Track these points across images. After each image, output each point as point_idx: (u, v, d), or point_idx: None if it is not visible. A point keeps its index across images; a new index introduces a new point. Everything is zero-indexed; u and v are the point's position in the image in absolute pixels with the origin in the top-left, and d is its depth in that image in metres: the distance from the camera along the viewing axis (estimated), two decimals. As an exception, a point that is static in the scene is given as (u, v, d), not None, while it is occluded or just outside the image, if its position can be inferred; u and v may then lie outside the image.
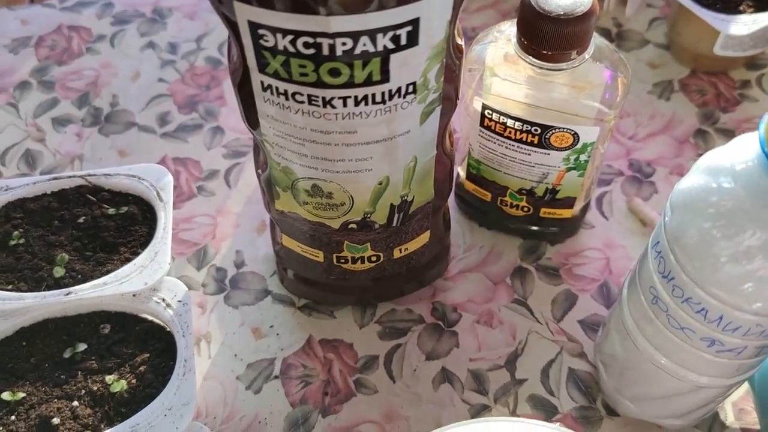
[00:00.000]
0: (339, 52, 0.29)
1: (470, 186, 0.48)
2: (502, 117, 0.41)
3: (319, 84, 0.31)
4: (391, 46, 0.30)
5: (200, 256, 0.50)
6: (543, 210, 0.46)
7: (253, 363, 0.45)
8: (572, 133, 0.40)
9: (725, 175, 0.29)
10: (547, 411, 0.43)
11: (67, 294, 0.39)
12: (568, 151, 0.41)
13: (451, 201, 0.50)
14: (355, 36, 0.29)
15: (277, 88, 0.32)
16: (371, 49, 0.30)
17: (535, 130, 0.41)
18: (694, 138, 0.55)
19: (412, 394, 0.44)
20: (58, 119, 0.58)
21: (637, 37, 0.61)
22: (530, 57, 0.39)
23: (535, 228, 0.48)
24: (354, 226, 0.39)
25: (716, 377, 0.35)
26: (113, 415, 0.36)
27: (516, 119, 0.41)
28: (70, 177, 0.44)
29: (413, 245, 0.43)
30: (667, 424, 0.41)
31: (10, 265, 0.41)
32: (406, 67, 0.31)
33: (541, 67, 0.39)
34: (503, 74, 0.40)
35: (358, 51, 0.30)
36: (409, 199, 0.39)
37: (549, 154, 0.42)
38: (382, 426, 0.43)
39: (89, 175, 0.44)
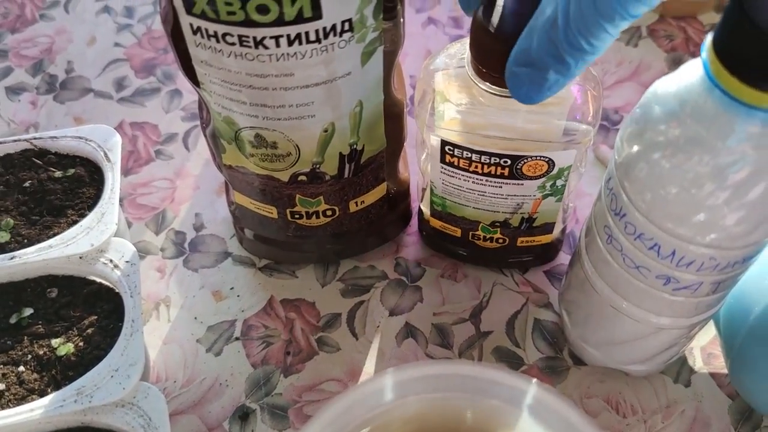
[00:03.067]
0: (264, -15, 0.28)
1: (437, 223, 0.44)
2: (465, 152, 0.37)
3: (249, 23, 0.30)
4: (318, -23, 0.28)
5: (158, 220, 0.49)
6: (520, 239, 0.43)
7: (213, 325, 0.44)
8: (546, 160, 0.36)
9: (672, 102, 0.28)
10: (512, 362, 0.42)
11: (12, 258, 0.38)
12: (543, 179, 0.37)
13: (416, 235, 0.48)
14: (278, -33, 0.27)
15: (206, 30, 0.31)
16: (298, -19, 0.28)
17: (505, 161, 0.36)
18: (664, 83, 0.53)
19: (375, 350, 0.43)
20: (12, 88, 0.56)
21: (605, -17, 0.60)
22: (488, 84, 0.34)
23: (512, 259, 0.45)
24: (304, 178, 0.38)
25: (675, 317, 0.34)
26: (60, 379, 0.35)
27: (482, 153, 0.36)
28: (15, 141, 0.43)
29: (370, 198, 0.41)
30: (632, 369, 0.40)
31: (-46, 231, 0.40)
32: (338, 3, 0.30)
33: (501, 95, 0.34)
34: (459, 104, 0.36)
35: (284, -16, 0.28)
36: (359, 147, 0.37)
37: (522, 184, 0.38)
38: (345, 383, 0.42)
39: (35, 138, 0.43)
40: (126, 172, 0.51)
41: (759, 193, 0.27)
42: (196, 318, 0.45)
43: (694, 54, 0.55)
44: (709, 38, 0.26)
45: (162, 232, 0.48)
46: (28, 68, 0.57)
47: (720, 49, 0.25)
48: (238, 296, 0.46)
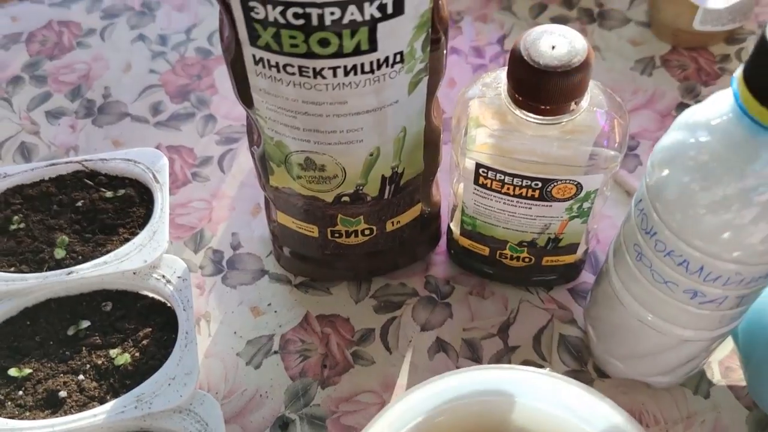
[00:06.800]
0: (328, 21, 0.31)
1: (465, 242, 0.46)
2: (498, 174, 0.39)
3: (309, 55, 0.32)
4: (377, 14, 0.31)
5: (197, 239, 0.51)
6: (545, 259, 0.45)
7: (252, 340, 0.46)
8: (575, 183, 0.38)
9: (702, 130, 0.31)
10: (540, 375, 0.44)
11: (69, 273, 0.40)
12: (571, 201, 0.40)
13: (444, 255, 0.50)
14: (342, 5, 0.30)
15: (268, 61, 0.33)
16: (359, 18, 0.31)
17: (536, 184, 0.39)
18: (676, 111, 0.56)
19: (408, 363, 0.45)
20: (52, 112, 0.59)
21: (618, 15, 0.63)
22: (526, 112, 0.36)
23: (537, 278, 0.47)
24: (347, 198, 0.40)
25: (699, 330, 0.36)
26: (118, 387, 0.37)
27: (515, 176, 0.39)
28: (67, 163, 0.45)
29: (405, 218, 0.44)
30: (654, 381, 0.42)
31: (12, 248, 0.42)
32: (393, 36, 0.32)
33: (539, 123, 0.36)
34: (493, 129, 0.38)
35: (346, 20, 0.31)
36: (400, 170, 0.40)
37: (551, 206, 0.40)
38: (380, 394, 0.44)
39: (86, 161, 0.45)
40: (164, 193, 0.53)
41: (782, 214, 0.29)
42: (235, 333, 0.47)
43: (706, 83, 0.57)
44: (739, 70, 0.28)
45: (200, 250, 0.51)
46: (67, 93, 0.60)
47: (750, 81, 0.28)
48: (275, 312, 0.48)
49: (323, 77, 0.33)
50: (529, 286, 0.48)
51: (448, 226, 0.48)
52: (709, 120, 0.30)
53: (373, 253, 0.46)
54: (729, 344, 0.44)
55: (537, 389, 0.29)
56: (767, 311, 0.38)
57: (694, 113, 0.32)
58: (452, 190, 0.45)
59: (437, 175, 0.45)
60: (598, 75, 0.40)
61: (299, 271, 0.49)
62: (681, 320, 0.36)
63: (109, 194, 0.44)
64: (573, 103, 0.36)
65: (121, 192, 0.44)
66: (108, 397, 0.37)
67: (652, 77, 0.58)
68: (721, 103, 0.30)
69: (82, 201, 0.44)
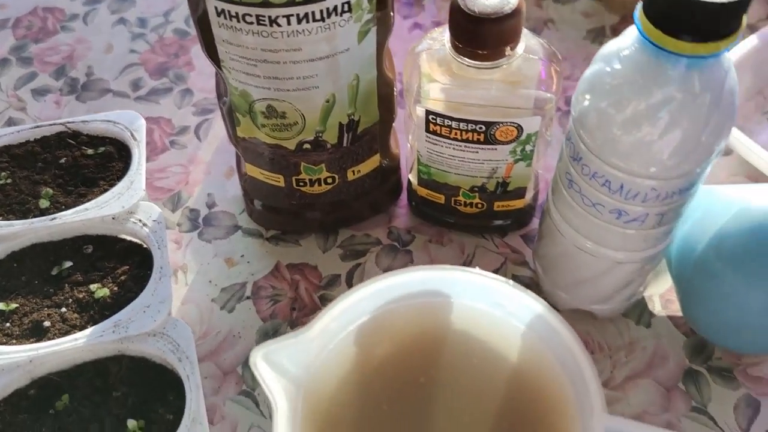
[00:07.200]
0: (278, -31, 0.34)
1: (423, 191, 0.50)
2: (446, 120, 0.42)
3: (265, 4, 0.36)
4: (323, -37, 0.35)
5: (175, 200, 0.55)
6: (496, 204, 0.48)
7: (226, 287, 0.50)
8: (516, 125, 0.42)
9: (614, 59, 0.34)
10: (493, 312, 0.48)
11: (53, 219, 0.43)
12: (513, 144, 0.43)
13: (406, 208, 0.53)
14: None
15: (229, 12, 0.37)
16: (307, -33, 0.34)
17: (480, 127, 0.42)
18: (624, 76, 0.60)
19: (371, 304, 0.48)
20: (38, 90, 0.62)
21: (570, -8, 0.67)
22: (466, 59, 0.40)
23: (491, 224, 0.51)
24: (308, 146, 0.44)
25: (629, 251, 0.40)
26: (98, 318, 0.41)
27: (460, 120, 0.42)
28: (51, 125, 0.49)
29: (365, 168, 0.47)
30: (598, 309, 0.45)
31: None
32: (339, -14, 0.36)
33: (478, 67, 0.40)
34: (441, 79, 0.42)
35: (295, -31, 0.34)
36: (356, 118, 0.43)
37: (496, 149, 0.44)
38: (345, 332, 0.47)
39: (69, 122, 0.49)
40: (144, 159, 0.57)
41: (684, 128, 0.33)
42: (210, 281, 0.50)
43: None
44: (640, 4, 0.32)
45: (178, 210, 0.54)
46: (52, 73, 0.63)
47: (648, 11, 0.31)
48: (248, 262, 0.51)
49: (278, 25, 0.37)
50: (484, 233, 0.52)
51: (408, 180, 0.51)
52: (620, 50, 0.34)
53: (338, 204, 0.49)
54: (668, 281, 0.48)
55: (470, 288, 0.32)
56: (695, 237, 0.42)
57: (609, 46, 0.35)
58: (409, 144, 0.48)
59: (395, 128, 0.49)
60: (552, 45, 0.44)
61: (270, 224, 0.52)
62: (612, 242, 0.40)
63: (90, 152, 0.48)
64: (508, 48, 0.40)
65: (102, 149, 0.48)
66: (88, 326, 0.40)
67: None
68: (629, 35, 0.34)
69: (65, 158, 0.47)
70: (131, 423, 0.37)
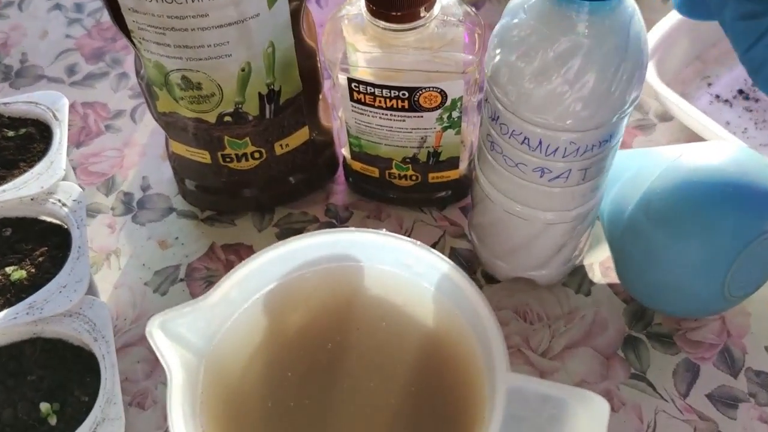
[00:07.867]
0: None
1: (357, 165, 0.49)
2: (369, 87, 0.42)
3: (165, -34, 0.35)
4: None
5: (109, 184, 0.53)
6: (431, 175, 0.47)
7: (159, 270, 0.49)
8: (438, 90, 0.41)
9: (520, 11, 0.33)
10: (431, 284, 0.47)
11: (-33, 203, 0.42)
12: (439, 110, 0.42)
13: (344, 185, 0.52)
14: None
15: (129, -24, 0.36)
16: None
17: (403, 94, 0.41)
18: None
19: (307, 281, 0.47)
20: (-30, 79, 0.61)
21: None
22: (381, 21, 0.39)
23: (429, 198, 0.50)
24: (229, 118, 0.43)
25: (558, 211, 0.39)
26: (14, 301, 0.39)
27: (383, 87, 0.41)
28: (-30, 108, 0.47)
29: (293, 141, 0.46)
30: (536, 276, 0.44)
31: None
32: (241, -55, 0.35)
33: (394, 29, 0.39)
34: (360, 45, 0.41)
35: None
36: (276, 88, 0.42)
37: (422, 116, 0.43)
38: (279, 310, 0.46)
39: (-11, 105, 0.47)
40: (78, 144, 0.55)
41: (594, 77, 0.32)
42: (144, 264, 0.49)
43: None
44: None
45: (112, 194, 0.53)
46: (-15, 61, 0.62)
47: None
48: (182, 244, 0.50)
49: (182, -11, 0.36)
50: (422, 207, 0.51)
51: (343, 155, 0.50)
52: (525, 1, 0.33)
53: (271, 181, 0.48)
54: (607, 250, 0.47)
55: (379, 251, 0.31)
56: (626, 198, 0.41)
57: (513, 1, 0.34)
58: (338, 115, 0.47)
59: (325, 101, 0.48)
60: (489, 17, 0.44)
61: (205, 205, 0.51)
62: (540, 203, 0.39)
63: (11, 134, 0.46)
64: (422, 10, 0.39)
65: (23, 131, 0.46)
66: (3, 310, 0.39)
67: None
68: (534, -15, 0.33)
69: (-16, 142, 0.46)
70: (44, 406, 0.36)
